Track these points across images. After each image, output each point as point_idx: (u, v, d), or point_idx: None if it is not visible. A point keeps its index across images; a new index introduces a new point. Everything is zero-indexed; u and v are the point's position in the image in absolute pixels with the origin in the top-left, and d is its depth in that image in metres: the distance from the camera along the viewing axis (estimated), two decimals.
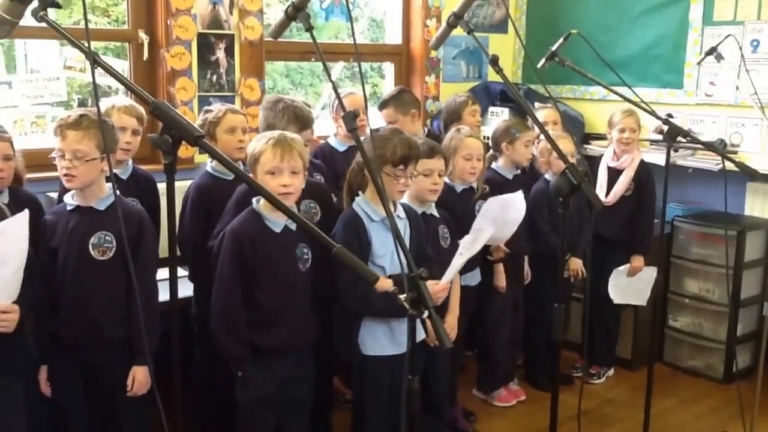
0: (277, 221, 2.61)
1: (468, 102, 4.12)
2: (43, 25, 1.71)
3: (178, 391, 1.61)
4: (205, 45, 3.90)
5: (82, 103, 4.13)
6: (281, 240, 2.61)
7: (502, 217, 3.09)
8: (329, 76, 2.12)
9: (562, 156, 2.37)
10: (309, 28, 2.13)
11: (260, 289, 2.59)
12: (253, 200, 2.67)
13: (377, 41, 5.03)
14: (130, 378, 2.51)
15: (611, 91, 3.01)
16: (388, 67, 4.86)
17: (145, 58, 3.78)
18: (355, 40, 2.25)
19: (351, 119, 1.97)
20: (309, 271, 2.69)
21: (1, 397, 2.26)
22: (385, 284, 2.67)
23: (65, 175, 2.47)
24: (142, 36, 3.78)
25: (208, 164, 3.18)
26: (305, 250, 2.67)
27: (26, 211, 2.18)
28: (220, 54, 3.96)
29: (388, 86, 4.85)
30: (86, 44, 1.61)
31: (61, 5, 1.78)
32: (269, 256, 2.59)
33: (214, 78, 3.96)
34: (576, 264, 3.81)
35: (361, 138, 1.96)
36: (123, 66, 3.87)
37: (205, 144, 1.58)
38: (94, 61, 1.62)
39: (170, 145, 1.55)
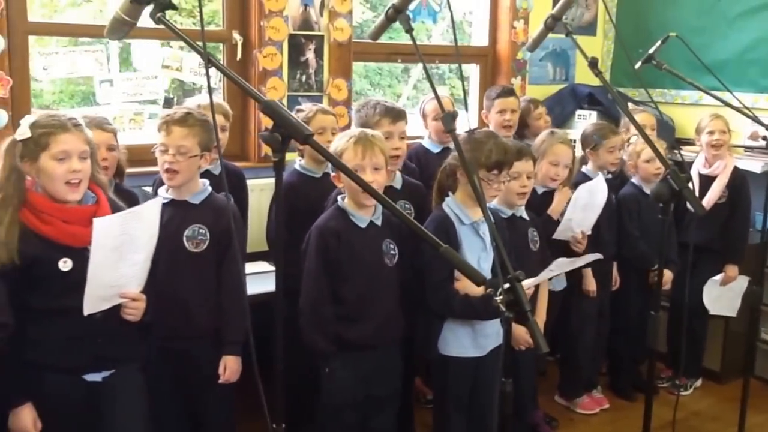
0: (362, 217, 2.65)
1: (530, 108, 4.08)
2: (145, 25, 1.77)
3: (279, 378, 1.65)
4: (296, 46, 3.97)
5: (168, 102, 4.26)
6: (366, 235, 2.65)
7: (589, 203, 3.22)
8: (429, 77, 2.13)
9: (663, 161, 2.33)
10: (408, 30, 2.15)
11: (346, 284, 2.63)
12: (338, 197, 2.71)
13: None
14: (221, 366, 2.57)
15: (711, 95, 2.93)
16: (473, 69, 4.84)
17: (238, 59, 3.87)
18: (456, 41, 2.26)
19: (450, 120, 1.98)
20: (396, 267, 2.71)
21: (126, 384, 2.33)
22: (475, 289, 2.71)
23: (167, 170, 2.55)
24: (236, 36, 3.87)
25: (297, 163, 3.24)
26: (391, 246, 2.70)
27: (159, 198, 2.28)
28: (310, 55, 4.02)
29: (473, 88, 4.83)
30: (201, 45, 1.66)
31: (177, 7, 1.84)
32: (354, 251, 2.62)
33: (303, 78, 4.02)
34: (668, 275, 3.70)
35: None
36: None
37: (315, 142, 1.61)
38: (209, 61, 1.67)
39: (280, 143, 1.57)
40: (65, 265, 2.15)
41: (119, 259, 2.11)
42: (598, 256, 2.90)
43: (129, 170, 3.15)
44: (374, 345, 2.67)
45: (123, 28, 1.79)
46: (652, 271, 3.64)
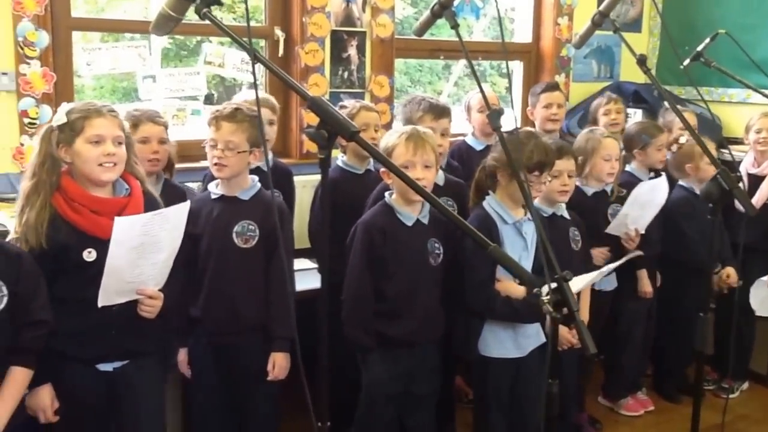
0: (409, 215, 2.65)
1: (601, 102, 4.04)
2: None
3: (324, 376, 1.64)
4: (338, 42, 3.96)
5: (208, 98, 4.28)
6: (412, 233, 2.65)
7: (649, 201, 3.20)
8: (474, 73, 2.10)
9: (714, 160, 2.27)
10: (454, 26, 2.13)
11: (389, 281, 2.63)
12: (386, 194, 2.71)
13: (497, 39, 4.98)
14: (270, 363, 2.58)
15: (760, 93, 2.86)
16: (517, 66, 4.79)
17: (280, 55, 3.88)
18: (503, 37, 2.24)
19: (496, 117, 1.95)
20: (440, 266, 2.70)
21: (142, 376, 2.35)
22: (517, 290, 2.68)
23: (216, 164, 2.57)
24: (278, 33, 3.88)
25: (339, 159, 3.24)
26: (437, 245, 2.69)
27: (188, 202, 2.28)
28: (352, 51, 4.02)
29: (515, 85, 4.78)
30: (247, 41, 1.65)
31: (222, 2, 1.84)
32: (399, 249, 2.63)
33: (345, 74, 4.02)
34: (733, 275, 3.61)
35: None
36: (248, 58, 3.94)
37: (361, 139, 1.60)
38: (255, 57, 1.67)
39: (326, 140, 1.56)
40: (90, 255, 2.18)
41: (139, 257, 2.12)
42: (638, 253, 2.86)
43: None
44: (414, 342, 2.67)
45: (169, 23, 1.79)
46: (715, 273, 3.56)
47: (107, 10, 6.42)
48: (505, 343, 2.79)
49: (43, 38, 3.19)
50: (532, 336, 2.81)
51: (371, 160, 3.17)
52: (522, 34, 4.83)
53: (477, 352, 2.81)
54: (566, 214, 3.09)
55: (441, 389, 2.85)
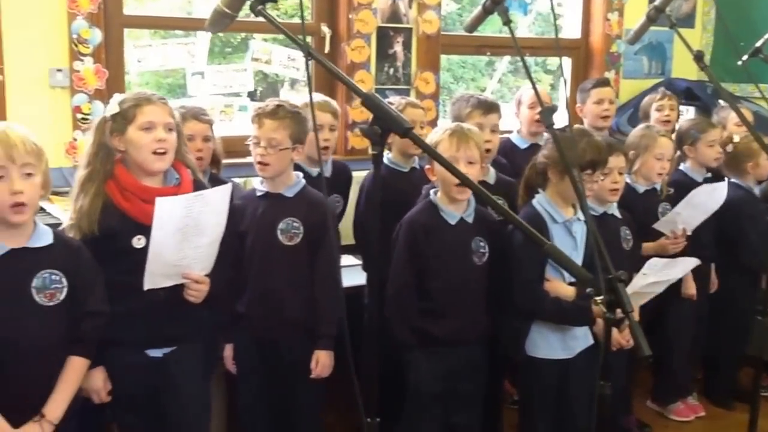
0: (452, 213, 2.63)
1: (654, 98, 3.98)
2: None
3: (373, 372, 1.63)
4: (384, 38, 3.96)
5: (251, 95, 4.30)
6: (456, 232, 2.63)
7: (704, 203, 3.13)
8: (527, 69, 2.06)
9: None
10: (507, 22, 2.10)
11: (433, 279, 2.62)
12: (430, 192, 2.70)
13: (542, 35, 4.92)
14: (313, 361, 2.58)
15: None
16: (565, 62, 4.72)
17: (326, 51, 3.88)
18: (556, 33, 2.20)
19: (549, 114, 1.92)
20: (485, 265, 2.67)
21: (186, 362, 2.38)
22: (567, 291, 2.64)
23: (259, 162, 2.58)
24: (325, 29, 3.88)
25: (385, 156, 3.23)
26: (482, 244, 2.66)
27: (229, 185, 2.29)
28: (398, 47, 4.01)
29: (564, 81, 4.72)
30: (301, 38, 1.65)
31: (277, 0, 1.84)
32: (442, 247, 2.61)
33: (391, 71, 4.01)
34: None
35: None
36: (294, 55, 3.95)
37: (415, 135, 1.58)
38: (308, 54, 1.66)
39: (379, 136, 1.55)
40: (139, 242, 2.20)
41: (182, 240, 2.14)
42: (696, 262, 2.78)
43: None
44: (458, 342, 2.65)
45: (224, 20, 1.80)
46: None
47: (149, 5, 6.50)
48: (553, 343, 2.75)
49: (96, 35, 3.24)
50: (581, 337, 2.76)
51: (416, 158, 3.15)
52: (571, 30, 4.77)
53: (524, 353, 2.77)
54: (617, 213, 3.03)
55: (488, 389, 2.82)
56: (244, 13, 1.79)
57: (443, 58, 4.38)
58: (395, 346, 2.63)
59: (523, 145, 3.63)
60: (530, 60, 4.92)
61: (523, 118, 3.69)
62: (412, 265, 2.60)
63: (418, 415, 2.68)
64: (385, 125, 1.55)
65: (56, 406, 2.07)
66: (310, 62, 1.67)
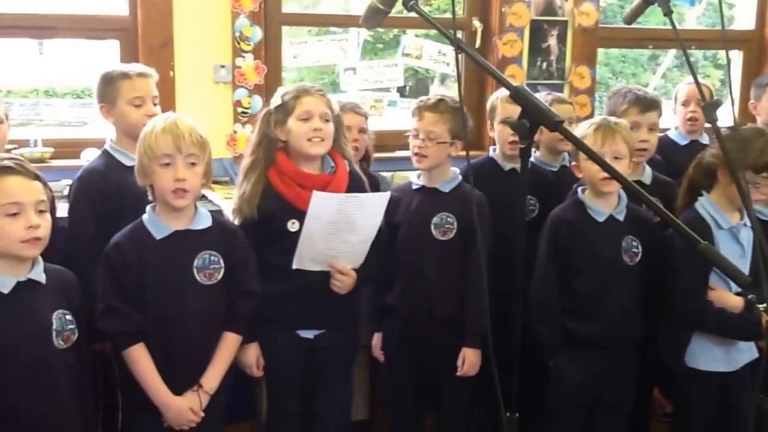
0: (600, 210, 2.56)
1: None
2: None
3: (515, 367, 1.61)
4: (537, 31, 3.87)
5: (400, 90, 4.32)
6: (604, 230, 2.56)
7: None
8: (689, 62, 1.97)
9: None
10: (668, 12, 2.01)
11: (579, 278, 2.56)
12: (579, 189, 2.63)
13: (713, 27, 4.62)
14: (460, 359, 2.57)
15: None
16: (736, 56, 4.42)
17: (477, 46, 3.84)
18: (723, 25, 2.07)
19: (712, 110, 1.83)
20: (637, 266, 2.58)
21: (336, 347, 2.49)
22: (734, 301, 2.48)
23: (416, 154, 2.61)
24: (476, 23, 3.84)
25: (532, 155, 3.15)
26: (634, 243, 2.57)
27: (388, 193, 2.39)
28: (552, 41, 3.90)
29: (734, 77, 4.42)
30: (452, 32, 1.64)
31: None
32: (588, 245, 2.55)
33: (544, 65, 3.91)
34: None
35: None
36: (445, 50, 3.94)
37: (565, 129, 1.55)
38: (458, 47, 1.65)
39: (528, 130, 1.52)
40: (293, 226, 2.33)
41: (332, 232, 2.27)
42: None
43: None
44: (605, 344, 2.58)
45: (378, 16, 1.83)
46: None
47: (315, 6, 6.74)
48: (716, 356, 2.60)
49: (257, 33, 3.39)
50: (745, 350, 2.60)
51: (566, 154, 3.06)
52: (743, 21, 4.46)
53: (683, 363, 2.63)
54: None
55: (636, 398, 2.71)
56: (397, 9, 1.81)
57: (600, 51, 4.23)
58: (538, 347, 2.59)
59: (682, 142, 3.46)
60: (698, 54, 4.64)
61: (680, 114, 3.51)
62: (556, 263, 2.57)
63: (560, 419, 2.63)
64: (534, 119, 1.52)
65: (212, 377, 2.23)
66: (460, 56, 1.66)
